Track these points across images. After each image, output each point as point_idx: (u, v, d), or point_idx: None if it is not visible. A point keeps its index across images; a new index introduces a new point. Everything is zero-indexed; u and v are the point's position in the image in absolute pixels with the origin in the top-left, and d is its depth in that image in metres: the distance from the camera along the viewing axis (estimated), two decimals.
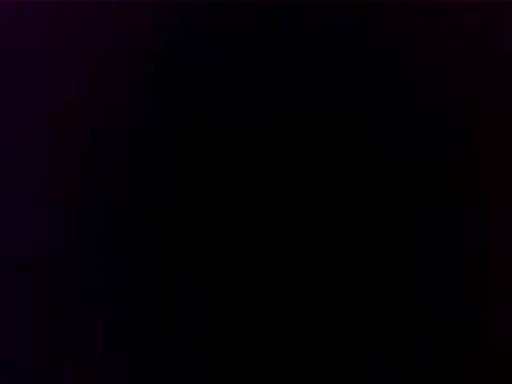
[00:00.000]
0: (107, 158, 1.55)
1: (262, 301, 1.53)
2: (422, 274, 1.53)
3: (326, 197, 1.54)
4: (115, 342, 1.53)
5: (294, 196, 1.54)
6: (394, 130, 1.55)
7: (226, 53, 1.56)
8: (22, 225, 1.54)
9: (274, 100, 1.55)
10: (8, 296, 1.53)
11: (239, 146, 1.55)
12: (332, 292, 1.53)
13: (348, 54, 1.55)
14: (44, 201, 1.54)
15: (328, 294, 1.53)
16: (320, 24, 1.55)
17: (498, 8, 1.55)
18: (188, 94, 1.56)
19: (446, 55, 1.55)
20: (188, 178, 1.55)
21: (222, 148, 1.55)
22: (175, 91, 1.56)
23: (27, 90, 1.56)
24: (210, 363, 1.53)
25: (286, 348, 1.53)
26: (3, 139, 1.55)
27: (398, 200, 1.54)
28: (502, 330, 1.52)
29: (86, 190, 1.55)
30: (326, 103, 1.55)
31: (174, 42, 1.56)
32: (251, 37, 1.55)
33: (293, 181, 1.54)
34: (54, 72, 1.56)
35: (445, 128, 1.55)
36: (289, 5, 1.55)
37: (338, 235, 1.54)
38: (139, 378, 1.53)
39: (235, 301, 1.53)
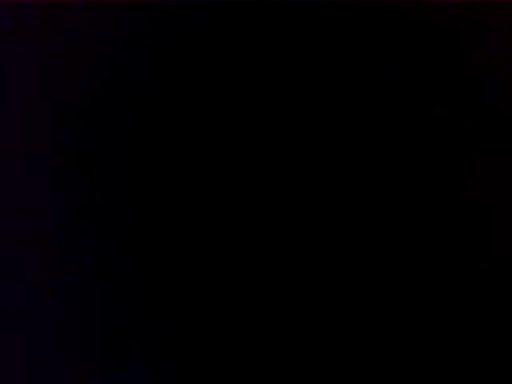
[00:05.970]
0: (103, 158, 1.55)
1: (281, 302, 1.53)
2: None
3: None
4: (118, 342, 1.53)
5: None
6: (393, 131, 1.55)
7: (224, 52, 1.56)
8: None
9: (273, 100, 1.55)
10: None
11: (238, 146, 1.55)
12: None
13: (348, 54, 1.55)
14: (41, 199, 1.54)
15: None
16: (320, 24, 1.55)
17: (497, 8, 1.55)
18: (185, 95, 1.56)
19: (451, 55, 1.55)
20: (185, 179, 1.55)
21: (219, 149, 1.55)
22: (170, 91, 1.56)
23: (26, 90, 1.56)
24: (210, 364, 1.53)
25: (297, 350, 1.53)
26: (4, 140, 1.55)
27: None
28: None
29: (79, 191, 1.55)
30: (326, 103, 1.55)
31: (169, 43, 1.56)
32: (248, 37, 1.55)
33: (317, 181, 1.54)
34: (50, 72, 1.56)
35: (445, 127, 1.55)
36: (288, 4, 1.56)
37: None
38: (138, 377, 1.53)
39: (236, 301, 1.53)
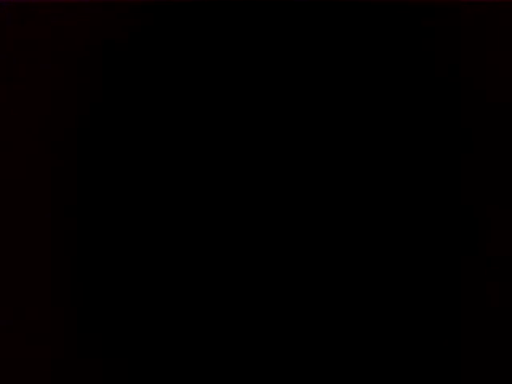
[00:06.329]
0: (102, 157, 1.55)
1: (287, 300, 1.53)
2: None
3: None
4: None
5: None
6: (393, 131, 1.54)
7: (224, 53, 1.56)
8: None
9: (273, 100, 1.55)
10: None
11: (239, 146, 1.55)
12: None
13: (348, 54, 1.55)
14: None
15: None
16: (320, 24, 1.55)
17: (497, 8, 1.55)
18: (186, 95, 1.56)
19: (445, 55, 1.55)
20: (186, 178, 1.54)
21: (219, 149, 1.55)
22: (170, 91, 1.56)
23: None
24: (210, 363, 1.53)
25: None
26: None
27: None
28: None
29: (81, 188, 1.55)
30: (326, 103, 1.55)
31: (171, 43, 1.56)
32: (250, 37, 1.55)
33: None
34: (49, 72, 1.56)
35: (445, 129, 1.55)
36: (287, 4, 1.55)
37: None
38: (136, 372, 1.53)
39: (236, 300, 1.53)
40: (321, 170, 1.54)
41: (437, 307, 1.52)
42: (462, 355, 1.52)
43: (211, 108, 1.55)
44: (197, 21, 1.56)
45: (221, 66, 1.55)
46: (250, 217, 1.54)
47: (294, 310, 1.53)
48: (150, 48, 1.56)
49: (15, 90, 1.56)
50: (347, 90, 1.55)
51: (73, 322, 1.53)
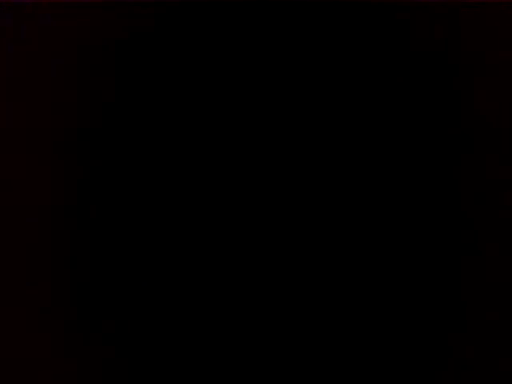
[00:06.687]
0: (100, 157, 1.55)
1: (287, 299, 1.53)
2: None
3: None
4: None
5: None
6: (393, 132, 1.54)
7: (224, 52, 1.56)
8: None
9: (273, 100, 1.55)
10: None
11: (238, 146, 1.55)
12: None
13: (348, 54, 1.55)
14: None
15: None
16: (320, 24, 1.55)
17: (497, 8, 1.55)
18: (186, 94, 1.56)
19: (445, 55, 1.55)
20: (187, 179, 1.55)
21: (219, 149, 1.55)
22: (169, 91, 1.56)
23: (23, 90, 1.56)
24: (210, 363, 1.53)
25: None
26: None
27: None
28: None
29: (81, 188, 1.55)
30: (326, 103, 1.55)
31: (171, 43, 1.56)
32: (249, 36, 1.55)
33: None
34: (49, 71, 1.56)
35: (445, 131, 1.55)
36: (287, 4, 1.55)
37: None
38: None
39: (236, 300, 1.53)
40: (321, 170, 1.54)
41: (437, 307, 1.52)
42: (462, 355, 1.52)
43: (211, 107, 1.55)
44: (197, 21, 1.56)
45: (221, 65, 1.55)
46: (250, 217, 1.54)
47: (294, 309, 1.53)
48: (150, 48, 1.56)
49: (15, 89, 1.56)
50: (347, 90, 1.55)
51: (73, 321, 1.53)
